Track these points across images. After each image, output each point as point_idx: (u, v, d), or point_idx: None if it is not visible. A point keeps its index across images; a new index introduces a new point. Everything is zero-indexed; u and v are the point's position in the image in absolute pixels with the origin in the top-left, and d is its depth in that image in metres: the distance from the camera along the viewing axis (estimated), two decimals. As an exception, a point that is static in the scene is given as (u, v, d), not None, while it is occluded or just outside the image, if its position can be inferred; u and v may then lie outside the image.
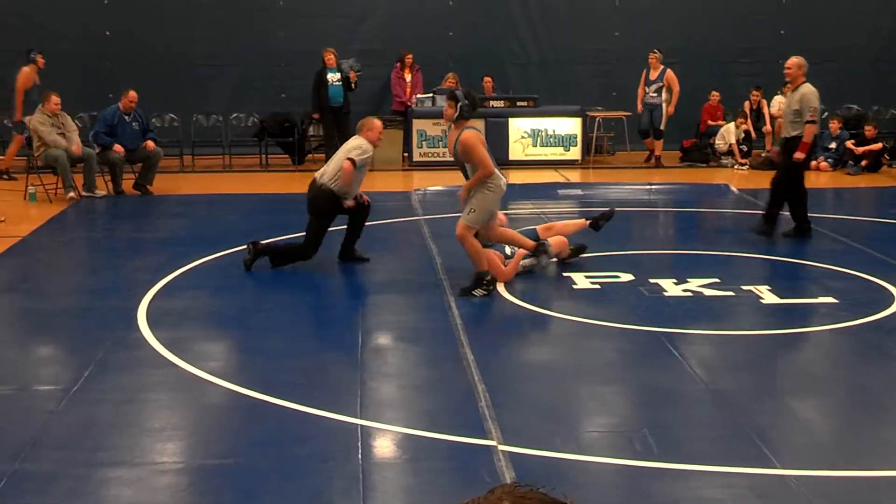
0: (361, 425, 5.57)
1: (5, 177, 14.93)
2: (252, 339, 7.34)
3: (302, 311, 7.98)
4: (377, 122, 9.41)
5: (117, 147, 13.46)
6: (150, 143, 13.75)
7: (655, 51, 16.22)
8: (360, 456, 5.19)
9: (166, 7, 17.10)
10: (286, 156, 16.78)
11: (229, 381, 6.33)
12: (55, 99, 13.23)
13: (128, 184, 13.70)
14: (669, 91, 16.13)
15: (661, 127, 16.24)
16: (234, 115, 16.93)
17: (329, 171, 9.21)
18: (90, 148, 13.51)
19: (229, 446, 5.44)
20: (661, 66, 16.15)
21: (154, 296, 8.35)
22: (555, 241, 8.87)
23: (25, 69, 14.78)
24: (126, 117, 13.71)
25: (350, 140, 9.49)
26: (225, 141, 16.74)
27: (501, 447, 5.23)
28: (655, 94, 16.19)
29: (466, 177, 8.50)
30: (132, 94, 13.77)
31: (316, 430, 5.60)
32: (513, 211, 13.42)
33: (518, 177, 15.34)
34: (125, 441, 5.47)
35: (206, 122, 16.91)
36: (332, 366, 6.69)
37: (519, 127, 16.37)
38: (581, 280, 8.74)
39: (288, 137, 16.54)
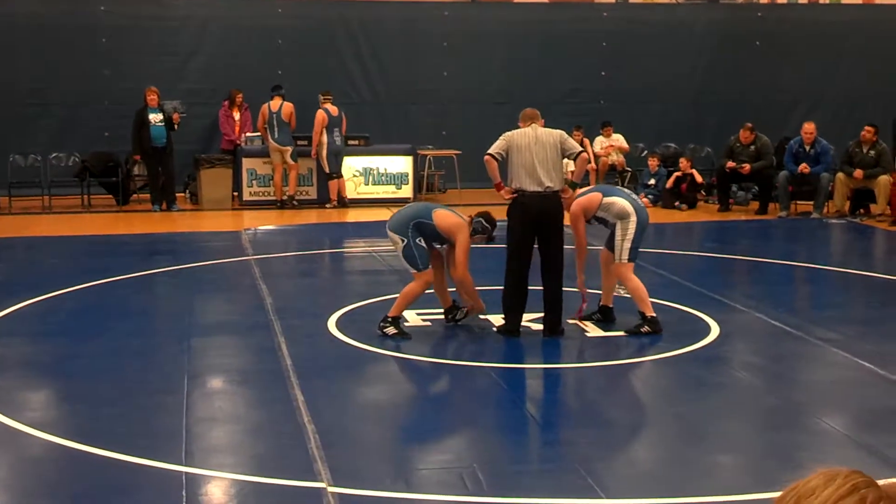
0: (186, 473, 5.41)
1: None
2: (71, 387, 7.06)
3: (125, 357, 7.70)
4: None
5: None
6: None
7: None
8: (184, 504, 5.04)
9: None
10: (110, 196, 16.32)
11: (47, 432, 6.04)
12: None
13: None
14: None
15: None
16: (55, 154, 16.33)
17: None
18: None
19: (47, 501, 5.21)
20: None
21: (-35, 344, 7.94)
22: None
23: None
24: None
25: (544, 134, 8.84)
26: (45, 181, 16.11)
27: (331, 489, 5.17)
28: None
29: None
30: None
31: (139, 479, 5.40)
32: (345, 250, 13.42)
33: (350, 215, 15.37)
34: (-69, 500, 5.16)
35: (25, 161, 16.26)
36: (156, 412, 6.48)
37: (351, 165, 16.38)
38: (412, 317, 8.76)
39: (112, 177, 16.11)
